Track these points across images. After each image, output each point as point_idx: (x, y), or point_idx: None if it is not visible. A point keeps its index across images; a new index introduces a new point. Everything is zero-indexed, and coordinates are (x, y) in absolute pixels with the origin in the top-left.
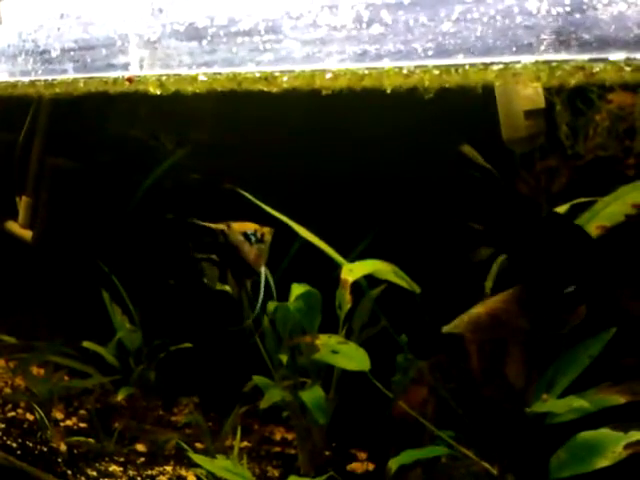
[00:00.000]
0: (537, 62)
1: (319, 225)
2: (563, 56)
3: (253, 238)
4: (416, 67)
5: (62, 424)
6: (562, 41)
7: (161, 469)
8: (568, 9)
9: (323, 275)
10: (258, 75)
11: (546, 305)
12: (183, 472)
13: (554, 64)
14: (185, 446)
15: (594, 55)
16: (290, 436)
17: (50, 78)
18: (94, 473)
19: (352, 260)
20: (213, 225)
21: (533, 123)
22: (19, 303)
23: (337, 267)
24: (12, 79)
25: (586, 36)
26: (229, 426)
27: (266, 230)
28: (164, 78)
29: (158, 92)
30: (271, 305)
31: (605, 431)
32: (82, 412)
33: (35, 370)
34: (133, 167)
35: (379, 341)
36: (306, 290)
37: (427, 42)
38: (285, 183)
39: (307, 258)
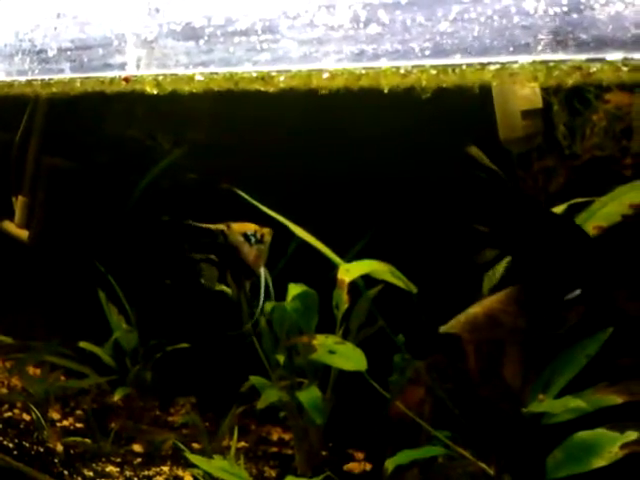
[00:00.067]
0: (534, 62)
1: (316, 225)
2: (560, 56)
3: (253, 239)
4: (413, 67)
5: (58, 424)
6: (559, 41)
7: (158, 469)
8: (565, 9)
9: (320, 275)
10: (255, 75)
11: (544, 305)
12: (180, 472)
13: (551, 64)
14: (182, 446)
15: (591, 55)
16: (287, 436)
17: (47, 78)
18: (91, 473)
19: (349, 260)
20: (213, 226)
21: (530, 123)
22: (15, 303)
23: (334, 267)
24: (9, 79)
25: (583, 36)
26: (226, 426)
27: (266, 231)
28: (161, 78)
29: (155, 92)
30: (268, 305)
31: (602, 431)
32: (78, 412)
33: (31, 370)
34: (130, 167)
35: (376, 341)
36: (303, 290)
37: (424, 42)
38: (282, 183)
39: (304, 258)
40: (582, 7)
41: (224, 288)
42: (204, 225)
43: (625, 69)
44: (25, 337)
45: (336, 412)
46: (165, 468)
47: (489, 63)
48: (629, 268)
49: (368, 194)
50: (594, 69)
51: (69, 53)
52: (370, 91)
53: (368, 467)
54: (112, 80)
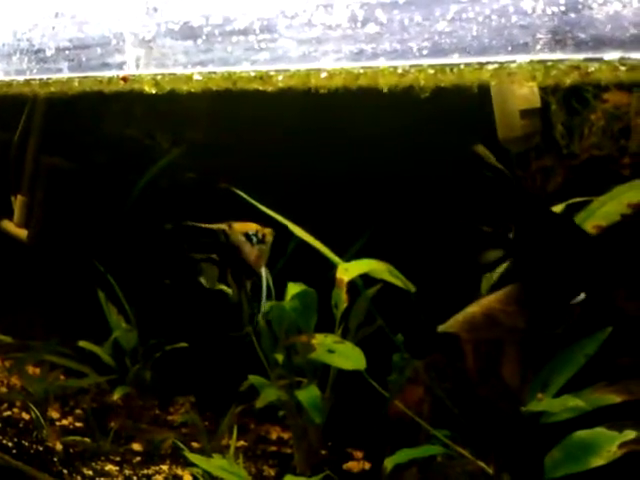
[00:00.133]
0: (532, 61)
1: (315, 224)
2: (558, 55)
3: (254, 239)
4: (411, 66)
5: (58, 423)
6: (558, 40)
7: (157, 468)
8: (563, 8)
9: (319, 274)
10: (253, 74)
11: (543, 304)
12: (179, 471)
13: (549, 63)
14: (181, 445)
15: (589, 55)
16: (286, 435)
17: (45, 77)
18: (90, 472)
19: (348, 259)
20: (214, 225)
21: (529, 122)
22: (15, 302)
23: (333, 266)
24: (7, 78)
25: (582, 35)
26: (225, 425)
27: (267, 231)
28: (159, 77)
29: (153, 91)
30: (267, 305)
31: (600, 430)
32: (78, 411)
33: (31, 369)
34: (129, 166)
35: (375, 340)
36: (302, 289)
37: (422, 41)
38: (281, 182)
39: (303, 257)
40: (580, 7)
41: (223, 288)
42: (206, 225)
43: (623, 68)
44: (24, 336)
45: (335, 411)
46: (164, 467)
47: (487, 63)
48: (628, 267)
49: (366, 193)
50: (592, 69)
51: (67, 52)
52: (368, 90)
53: (367, 466)
54: (110, 79)
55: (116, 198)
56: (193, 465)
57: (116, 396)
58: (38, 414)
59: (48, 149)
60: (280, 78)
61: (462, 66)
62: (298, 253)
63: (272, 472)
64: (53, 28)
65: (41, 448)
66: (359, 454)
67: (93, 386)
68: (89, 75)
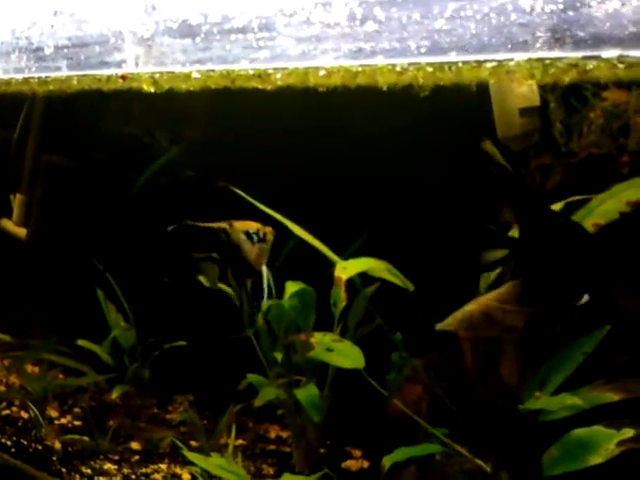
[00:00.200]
0: (530, 59)
1: (314, 223)
2: (556, 53)
3: (255, 237)
4: (409, 64)
5: (56, 422)
6: (557, 39)
7: (156, 467)
8: (562, 6)
9: (318, 273)
10: (252, 72)
11: (542, 302)
12: (178, 470)
13: (547, 62)
14: (180, 444)
15: (587, 53)
16: (285, 434)
17: (44, 75)
18: (88, 471)
19: (346, 258)
20: (215, 224)
21: (528, 121)
22: (14, 301)
23: (332, 265)
24: (6, 76)
25: (580, 34)
26: (224, 424)
27: (268, 230)
28: (157, 76)
29: (152, 90)
30: (267, 303)
31: (598, 428)
32: (77, 410)
33: (30, 368)
34: (128, 164)
35: (374, 339)
36: (301, 288)
37: (420, 39)
38: (280, 181)
39: (301, 256)
40: (579, 4)
41: (222, 286)
42: (206, 224)
43: (621, 66)
44: (23, 335)
45: (334, 410)
46: (163, 466)
47: (485, 61)
48: (626, 265)
49: (365, 192)
50: (590, 66)
51: (66, 51)
52: (367, 89)
53: (366, 464)
54: (109, 78)
55: (115, 196)
56: (192, 464)
57: (115, 395)
58: (37, 413)
59: (47, 147)
60: (278, 76)
61: (460, 64)
62: (297, 252)
63: (271, 471)
64: (52, 26)
65: (40, 447)
66: (358, 453)
67: (92, 385)
68: (88, 73)
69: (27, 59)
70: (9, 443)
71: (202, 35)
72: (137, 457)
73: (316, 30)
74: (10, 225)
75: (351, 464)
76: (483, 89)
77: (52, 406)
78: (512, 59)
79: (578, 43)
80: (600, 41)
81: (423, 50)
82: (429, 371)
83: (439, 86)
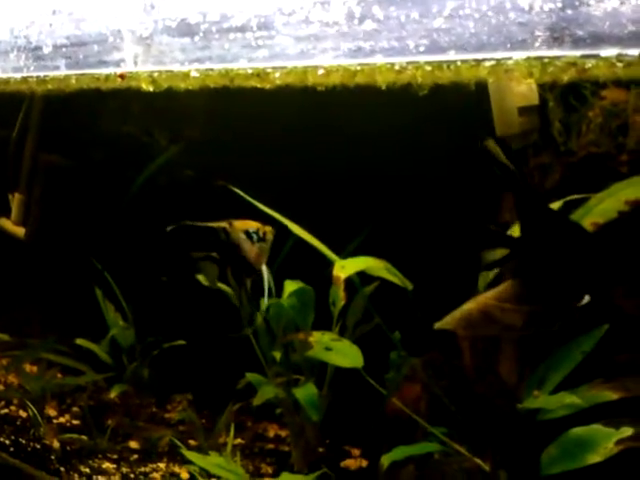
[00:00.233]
0: (529, 58)
1: (313, 222)
2: (555, 52)
3: (255, 236)
4: (408, 63)
5: (55, 421)
6: (555, 37)
7: (154, 466)
8: (560, 5)
9: (316, 272)
10: (250, 71)
11: (542, 301)
12: (176, 469)
13: (546, 60)
14: (178, 443)
15: (586, 51)
16: (283, 433)
17: (42, 74)
18: (87, 470)
19: (345, 257)
20: (214, 224)
21: (527, 120)
22: (12, 300)
23: (330, 264)
24: (4, 75)
25: (580, 32)
26: (222, 423)
27: (268, 229)
28: (156, 74)
29: (150, 89)
30: (263, 302)
31: (597, 427)
32: (75, 409)
33: (28, 367)
34: (126, 164)
35: (372, 338)
36: (299, 287)
37: (419, 38)
38: (279, 180)
39: (300, 255)
40: (577, 3)
41: (221, 286)
42: (205, 224)
43: (620, 65)
44: (22, 334)
45: (332, 409)
46: (161, 465)
47: (484, 59)
48: (625, 265)
49: (364, 191)
50: (589, 65)
51: (64, 50)
52: (366, 88)
53: (364, 463)
54: (107, 77)
55: (114, 196)
56: (190, 463)
57: (113, 394)
58: (35, 412)
59: (46, 146)
60: (277, 75)
61: (459, 63)
62: (295, 251)
63: (269, 470)
64: (50, 25)
65: (38, 446)
66: (356, 452)
67: (90, 384)
68: (86, 72)
69: (25, 58)
70: (8, 442)
71: (201, 34)
72: (136, 456)
73: (315, 29)
74: (8, 224)
75: (350, 463)
76: (482, 88)
77: (51, 405)
78: (511, 58)
79: (577, 42)
80: (599, 40)
81: (422, 49)
82: (428, 370)
83: (438, 85)
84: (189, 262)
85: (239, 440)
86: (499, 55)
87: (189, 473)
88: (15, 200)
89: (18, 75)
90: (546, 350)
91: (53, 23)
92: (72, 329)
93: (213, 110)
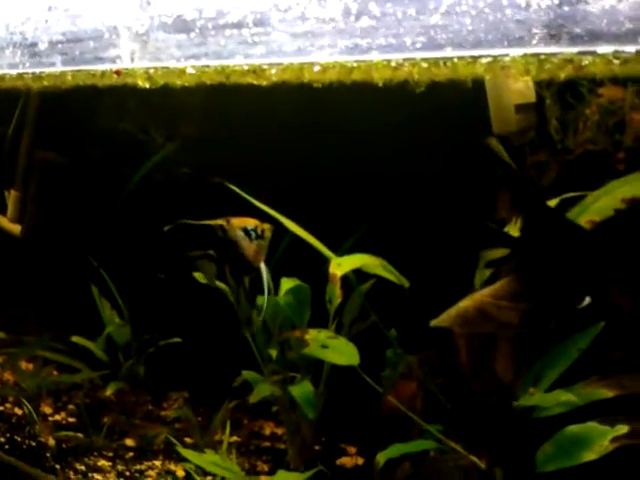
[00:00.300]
0: (525, 55)
1: (310, 219)
2: (552, 49)
3: (253, 234)
4: (404, 60)
5: (51, 419)
6: (552, 35)
7: (150, 464)
8: (557, 2)
9: (313, 269)
10: (246, 68)
11: (540, 299)
12: (172, 467)
13: (542, 57)
14: (174, 441)
15: (583, 48)
16: (279, 431)
17: (38, 71)
18: (83, 468)
19: (341, 254)
20: (212, 221)
21: (524, 117)
22: (8, 298)
23: (327, 261)
24: (0, 72)
25: (577, 30)
26: (218, 421)
27: (266, 227)
28: (152, 71)
29: (146, 85)
30: (260, 299)
31: (592, 425)
32: (71, 407)
33: (24, 365)
34: (123, 161)
35: (369, 336)
36: (296, 284)
37: (415, 35)
38: (275, 177)
39: (297, 252)
40: (575, 0)
41: (219, 284)
42: (203, 222)
43: (617, 62)
44: (18, 332)
45: (329, 406)
46: (157, 462)
47: (480, 56)
48: (622, 262)
49: (361, 188)
50: (586, 62)
51: (60, 46)
52: (363, 85)
53: (360, 461)
54: (103, 73)
55: (110, 193)
56: (186, 460)
57: (109, 391)
58: (31, 409)
59: (42, 143)
60: (273, 72)
61: (455, 59)
62: (292, 248)
63: (265, 467)
64: (46, 22)
65: (34, 443)
66: (352, 449)
67: (86, 381)
68: (82, 69)
69: (21, 54)
70: (3, 440)
71: (197, 30)
72: (131, 454)
73: (311, 26)
74: (4, 222)
75: (346, 461)
76: (479, 86)
77: (46, 403)
78: (507, 54)
79: (574, 39)
80: (596, 37)
81: (419, 45)
82: (424, 368)
83: (435, 82)
84: (186, 260)
85: (235, 438)
86: (496, 52)
87: (185, 471)
88: (11, 197)
89: (14, 71)
90: (542, 347)
91: (49, 19)
92: (68, 326)
93: (209, 107)
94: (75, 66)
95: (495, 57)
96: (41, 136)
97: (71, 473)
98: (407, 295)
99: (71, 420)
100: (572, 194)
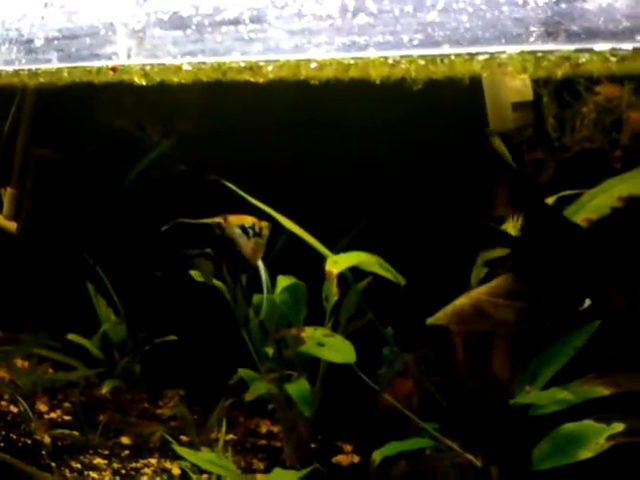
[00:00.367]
0: (522, 52)
1: (307, 216)
2: (549, 46)
3: (251, 232)
4: (402, 57)
5: (46, 417)
6: (549, 32)
7: (146, 462)
8: None
9: (309, 267)
10: (243, 65)
11: (533, 297)
12: (168, 465)
13: (539, 54)
14: (170, 439)
15: (580, 45)
16: (276, 429)
17: (34, 67)
18: (78, 466)
19: (338, 252)
20: (209, 220)
21: (521, 115)
22: (4, 295)
23: (324, 259)
24: None
25: (574, 27)
26: (214, 419)
27: (264, 224)
28: (148, 68)
29: (143, 82)
30: (256, 297)
31: (588, 423)
32: (66, 405)
33: (19, 362)
34: (119, 158)
35: (365, 334)
36: (292, 282)
37: (412, 32)
38: (272, 174)
39: (294, 250)
40: None
41: (216, 282)
42: (200, 220)
43: (614, 59)
44: (13, 329)
45: (325, 404)
46: (153, 460)
47: (477, 53)
48: (618, 261)
49: (358, 186)
50: (583, 60)
51: (56, 42)
52: (360, 82)
53: (356, 459)
54: (99, 70)
55: (106, 190)
56: (182, 458)
57: (105, 389)
58: (26, 407)
59: (38, 140)
60: (270, 69)
61: (452, 57)
62: (289, 246)
63: (261, 465)
64: (42, 18)
65: (29, 441)
66: (348, 447)
67: (82, 379)
68: (78, 65)
69: (17, 51)
70: None
71: (193, 27)
72: (127, 452)
73: (308, 23)
74: (0, 219)
75: (342, 459)
76: (476, 84)
77: (42, 400)
78: (504, 52)
79: (571, 37)
80: (593, 35)
81: (416, 43)
82: (420, 366)
83: (432, 80)
84: (183, 258)
85: (231, 436)
86: (493, 49)
87: (180, 469)
88: (7, 194)
89: (10, 68)
90: (539, 345)
91: (45, 16)
92: (64, 324)
93: (206, 104)
94: (71, 63)
95: (492, 54)
96: (37, 133)
97: (67, 471)
98: (403, 293)
99: (67, 418)
100: (569, 192)
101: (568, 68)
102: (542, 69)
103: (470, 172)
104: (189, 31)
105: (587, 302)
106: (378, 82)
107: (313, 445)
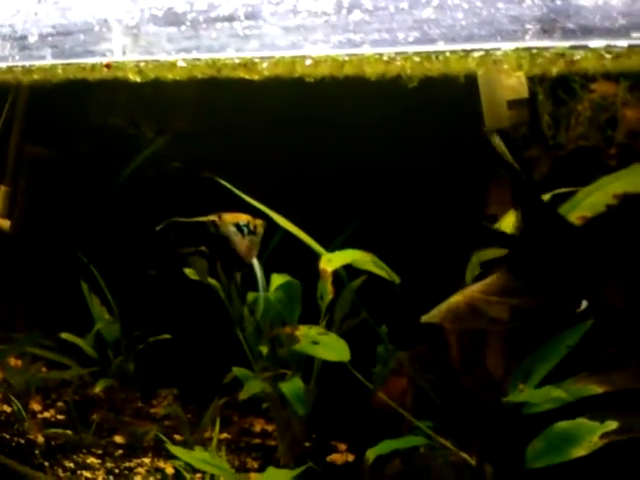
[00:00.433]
0: (518, 49)
1: (302, 214)
2: (544, 43)
3: (245, 230)
4: (397, 54)
5: (39, 416)
6: (545, 30)
7: (139, 461)
8: None
9: (304, 265)
10: (238, 62)
11: (529, 294)
12: (161, 464)
13: (535, 51)
14: (164, 438)
15: (574, 42)
16: (270, 428)
17: (28, 64)
18: (72, 465)
19: (333, 250)
20: (204, 218)
21: (516, 113)
22: None
23: (318, 257)
24: None
25: (569, 25)
26: (208, 418)
27: (259, 222)
28: (142, 64)
29: (137, 79)
30: (251, 295)
31: (582, 421)
32: (60, 404)
33: (13, 361)
34: (113, 155)
35: (359, 332)
36: (286, 281)
37: (407, 29)
38: (267, 172)
39: (288, 248)
40: None
41: (211, 280)
42: (195, 219)
43: (609, 57)
44: (6, 328)
45: (319, 403)
46: (146, 460)
47: (472, 50)
48: (614, 258)
49: (353, 184)
50: (578, 57)
51: (50, 39)
52: (356, 80)
53: (350, 458)
54: (94, 67)
55: (100, 188)
56: (175, 458)
57: (98, 388)
58: (19, 406)
59: (32, 138)
60: (265, 65)
61: (447, 54)
62: (283, 244)
63: (255, 464)
64: (36, 14)
65: (22, 441)
66: (343, 446)
67: (75, 378)
68: (72, 62)
69: (11, 47)
70: None
71: (188, 23)
72: (121, 451)
73: (303, 19)
74: None
75: (336, 457)
76: (472, 81)
77: (35, 400)
78: (499, 49)
79: (566, 34)
80: (588, 32)
81: (411, 40)
82: (414, 364)
83: (428, 77)
84: (177, 256)
85: (225, 435)
86: (488, 46)
87: (174, 468)
88: (0, 192)
89: (3, 64)
90: (533, 343)
91: (39, 12)
92: (57, 323)
93: (200, 101)
94: (65, 59)
95: (487, 51)
96: (31, 130)
97: (60, 470)
98: (398, 291)
99: (60, 417)
100: (564, 190)
101: (563, 65)
102: (537, 66)
103: (465, 170)
104: (184, 27)
105: (584, 304)
106: (373, 79)
107: (307, 444)
